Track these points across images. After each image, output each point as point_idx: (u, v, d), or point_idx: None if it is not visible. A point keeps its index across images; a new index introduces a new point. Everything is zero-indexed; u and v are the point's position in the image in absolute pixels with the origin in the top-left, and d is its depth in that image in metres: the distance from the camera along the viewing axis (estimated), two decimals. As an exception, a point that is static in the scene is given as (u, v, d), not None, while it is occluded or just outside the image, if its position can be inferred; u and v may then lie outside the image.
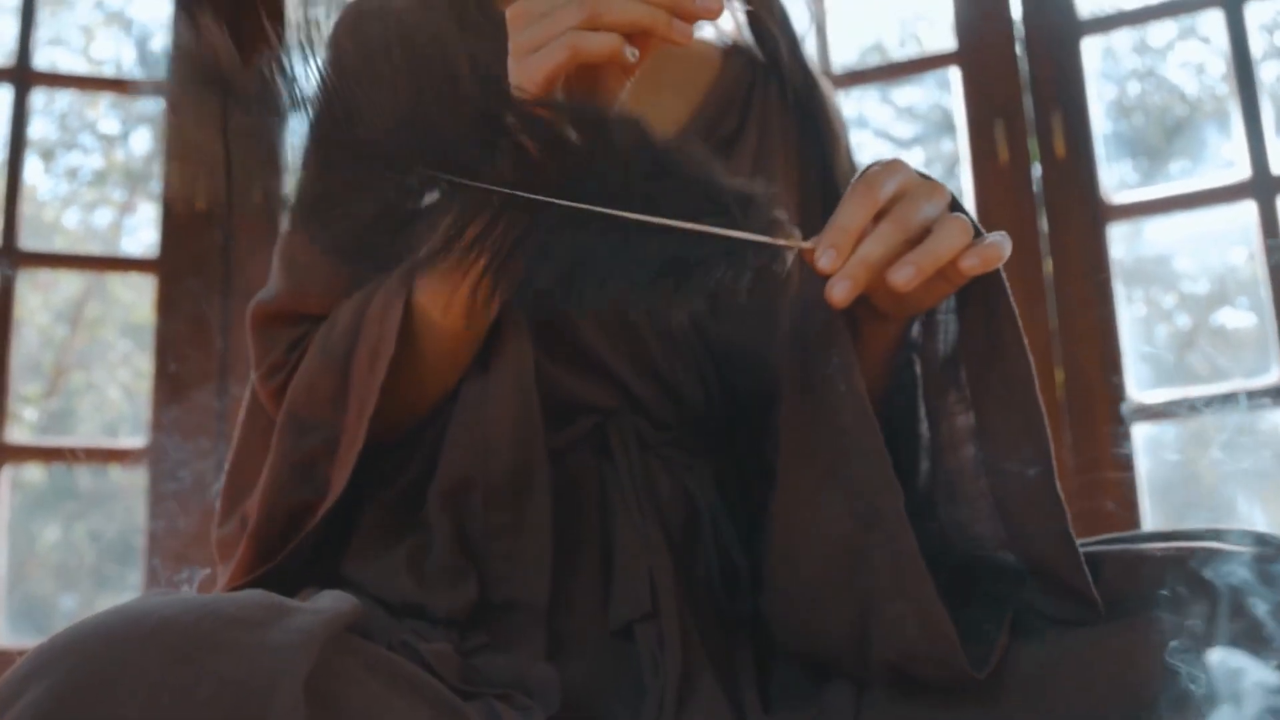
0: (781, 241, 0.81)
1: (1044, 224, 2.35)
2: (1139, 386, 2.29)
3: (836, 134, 1.24)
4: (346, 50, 1.10)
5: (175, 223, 2.45)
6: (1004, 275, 0.89)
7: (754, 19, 1.25)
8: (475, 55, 0.79)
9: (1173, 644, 0.80)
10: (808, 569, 0.94)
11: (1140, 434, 2.27)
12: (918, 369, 1.00)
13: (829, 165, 1.22)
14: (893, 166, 0.86)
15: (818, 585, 0.93)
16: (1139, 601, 0.85)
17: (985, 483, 0.93)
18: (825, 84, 1.27)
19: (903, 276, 0.82)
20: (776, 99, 1.23)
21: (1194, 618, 0.80)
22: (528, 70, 0.81)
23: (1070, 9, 2.44)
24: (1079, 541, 0.88)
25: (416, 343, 0.98)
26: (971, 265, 0.83)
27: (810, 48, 1.27)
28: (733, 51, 1.25)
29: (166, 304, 2.42)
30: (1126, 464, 2.21)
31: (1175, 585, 0.84)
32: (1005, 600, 0.91)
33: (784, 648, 1.01)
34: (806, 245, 0.82)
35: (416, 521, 1.01)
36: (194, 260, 2.43)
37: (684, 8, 0.81)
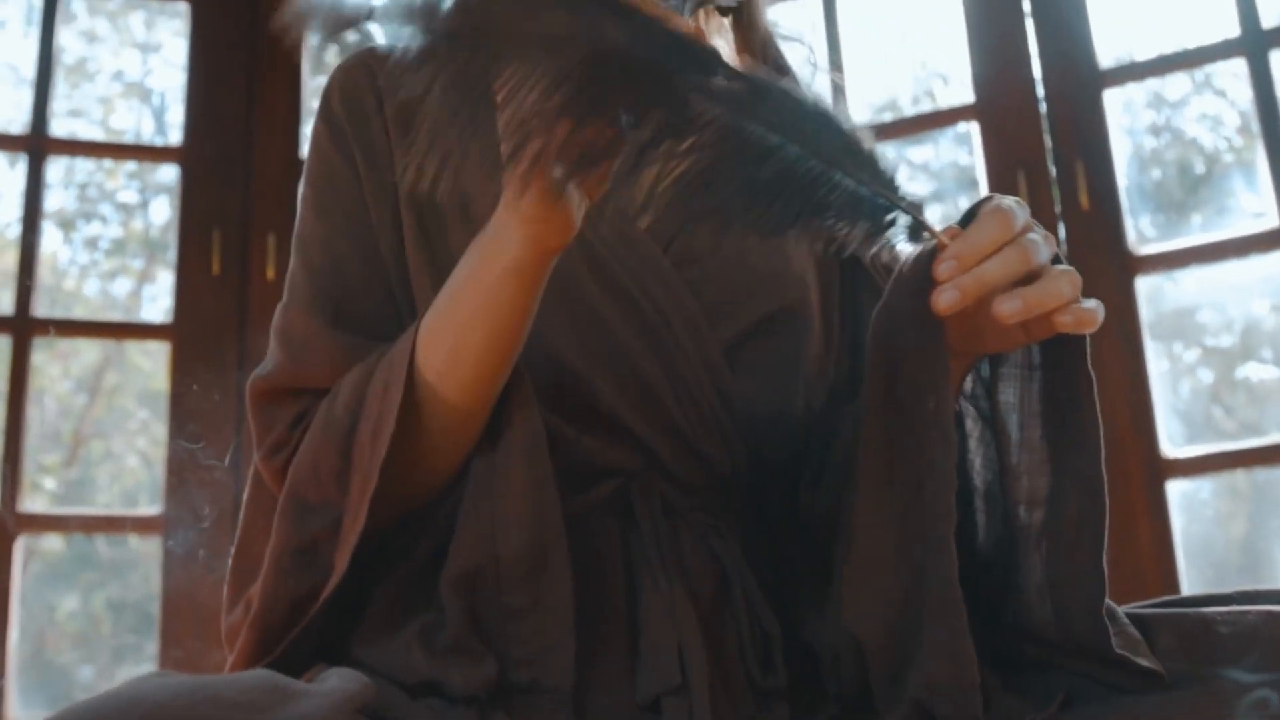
0: (925, 220, 0.82)
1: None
2: (1171, 442, 2.25)
3: None
4: None
5: (190, 288, 2.44)
6: (1088, 343, 0.89)
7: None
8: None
9: (1241, 711, 0.77)
10: (876, 583, 0.91)
11: (1174, 490, 2.23)
12: (969, 424, 0.99)
13: None
14: (1021, 203, 0.86)
15: (882, 600, 0.90)
16: (1203, 668, 0.83)
17: (1045, 549, 0.91)
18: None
19: (1009, 308, 0.81)
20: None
21: (1261, 683, 0.77)
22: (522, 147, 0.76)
23: (1091, 60, 2.42)
24: (1137, 606, 0.87)
25: (421, 417, 0.95)
26: (1066, 322, 0.82)
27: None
28: None
29: (181, 370, 2.41)
30: (1161, 520, 2.16)
31: (1239, 650, 0.81)
32: (1061, 667, 0.89)
33: (829, 650, 0.97)
34: (941, 237, 0.83)
35: (429, 600, 0.97)
36: (208, 325, 2.41)
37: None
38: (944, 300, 0.81)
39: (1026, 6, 2.48)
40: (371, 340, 1.02)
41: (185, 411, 2.39)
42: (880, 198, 0.81)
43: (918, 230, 0.83)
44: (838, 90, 2.09)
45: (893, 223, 0.82)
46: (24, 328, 2.39)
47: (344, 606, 0.97)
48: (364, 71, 1.13)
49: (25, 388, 2.38)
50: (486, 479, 0.95)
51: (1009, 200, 0.85)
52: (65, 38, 7.39)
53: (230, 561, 1.05)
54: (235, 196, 2.49)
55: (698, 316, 1.05)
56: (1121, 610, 0.90)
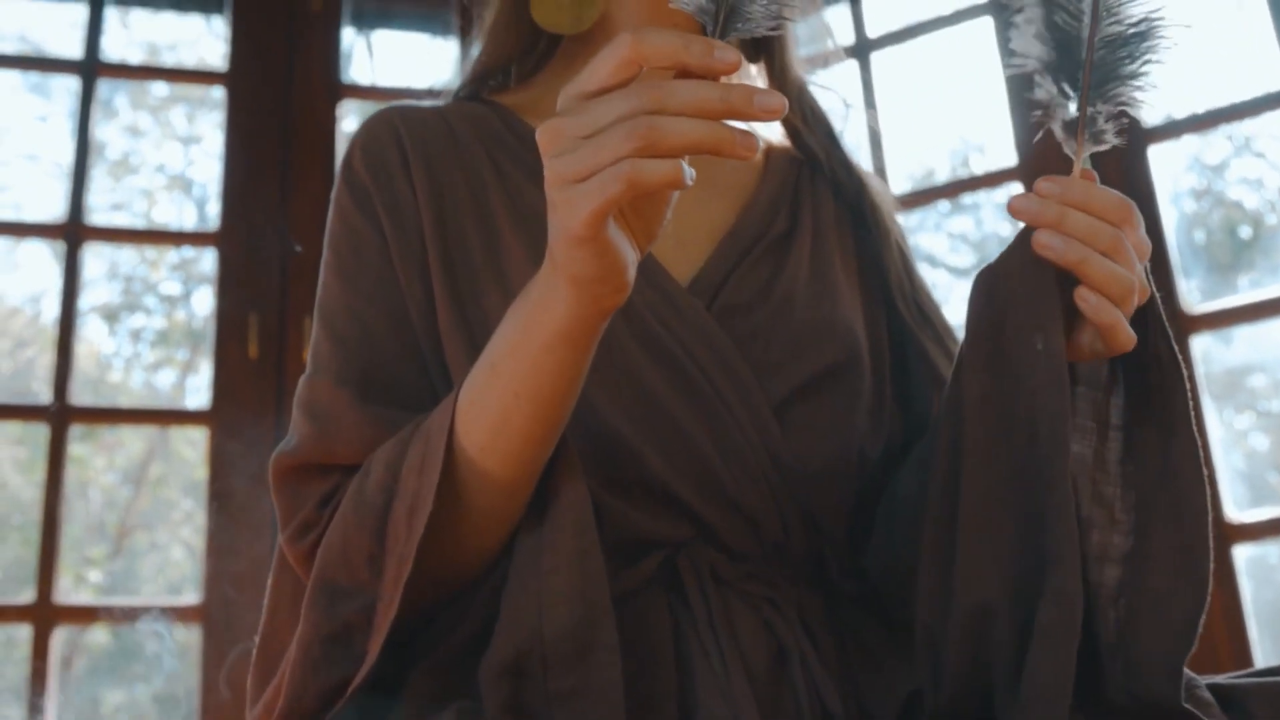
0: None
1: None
2: (1236, 506, 2.18)
3: (887, 228, 1.18)
4: None
5: (228, 373, 2.42)
6: (1190, 405, 0.87)
7: (784, 121, 1.20)
8: None
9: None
10: (996, 539, 0.85)
11: (1241, 556, 2.15)
12: None
13: (880, 260, 1.16)
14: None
15: (1004, 553, 0.85)
16: None
17: (1123, 607, 0.86)
18: (874, 179, 1.22)
19: (1044, 241, 0.82)
20: (827, 197, 1.17)
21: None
22: (575, 204, 0.72)
23: (1134, 117, 2.37)
24: (1220, 677, 0.83)
25: (461, 494, 0.90)
26: (1095, 310, 0.82)
27: (849, 143, 1.21)
28: (773, 151, 1.19)
29: (219, 456, 2.38)
30: (1230, 588, 2.09)
31: None
32: None
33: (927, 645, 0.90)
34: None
35: (468, 685, 0.91)
36: (247, 410, 2.39)
37: (745, 111, 0.71)
38: (1042, 240, 0.82)
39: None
40: (403, 411, 0.97)
41: (224, 498, 2.36)
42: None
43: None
44: (875, 139, 2.06)
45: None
46: (61, 416, 2.37)
47: (376, 694, 0.91)
48: (387, 128, 1.09)
49: (62, 477, 2.35)
50: (532, 555, 0.88)
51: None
52: (109, 133, 7.51)
53: (254, 652, 1.00)
54: (272, 280, 2.47)
55: (745, 374, 1.01)
56: (1203, 681, 0.86)
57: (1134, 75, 0.85)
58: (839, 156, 1.19)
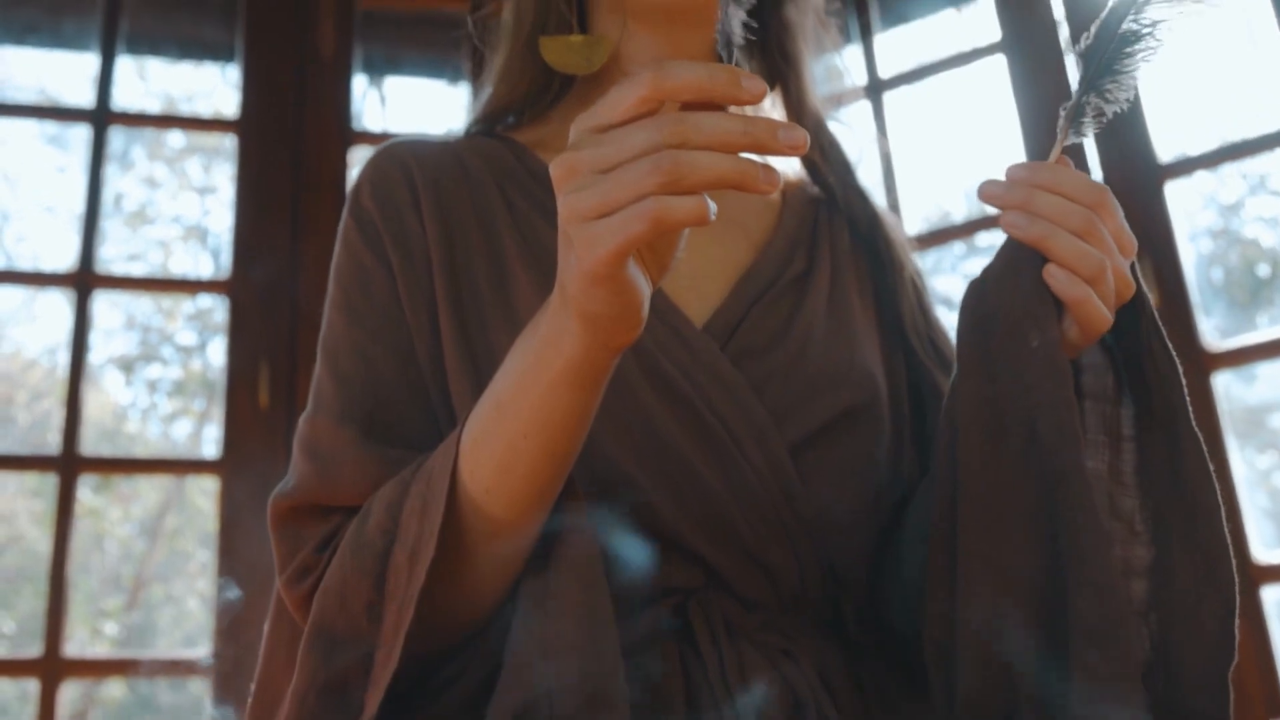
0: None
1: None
2: (1263, 545, 2.13)
3: (902, 263, 1.16)
4: None
5: (238, 422, 2.40)
6: (1189, 402, 0.87)
7: (803, 157, 1.19)
8: None
9: None
10: (1009, 545, 0.82)
11: (1270, 597, 2.11)
12: None
13: (895, 297, 1.14)
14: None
15: (1022, 562, 0.82)
16: None
17: (1154, 621, 0.85)
18: (888, 214, 1.20)
19: (1009, 220, 0.85)
20: (843, 236, 1.15)
21: None
22: (594, 241, 0.70)
23: (1149, 154, 2.36)
24: None
25: (465, 538, 0.87)
26: (1063, 286, 0.83)
27: (865, 175, 1.20)
28: (790, 188, 1.18)
29: (230, 505, 2.35)
30: (1259, 630, 2.04)
31: None
32: None
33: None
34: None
35: None
36: (257, 459, 2.37)
37: (769, 145, 0.68)
38: (1008, 219, 0.84)
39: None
40: (407, 451, 0.95)
41: (235, 547, 2.33)
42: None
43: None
44: (889, 179, 2.05)
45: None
46: (70, 465, 2.35)
47: None
48: (397, 162, 1.07)
49: (70, 527, 2.33)
50: (537, 602, 0.85)
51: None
52: (126, 184, 7.57)
53: (250, 700, 0.97)
54: (283, 328, 2.46)
55: (761, 417, 0.97)
56: None
57: (1125, 73, 0.86)
58: (855, 190, 1.18)
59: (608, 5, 1.12)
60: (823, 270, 1.10)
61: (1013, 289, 0.85)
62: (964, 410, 0.85)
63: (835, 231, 1.15)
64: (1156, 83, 2.40)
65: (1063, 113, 0.88)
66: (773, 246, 1.09)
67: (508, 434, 0.83)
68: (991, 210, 0.87)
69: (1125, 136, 2.38)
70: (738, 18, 0.75)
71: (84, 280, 2.44)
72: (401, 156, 1.08)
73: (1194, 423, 0.86)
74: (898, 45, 2.74)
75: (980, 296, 0.87)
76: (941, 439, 0.88)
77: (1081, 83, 0.87)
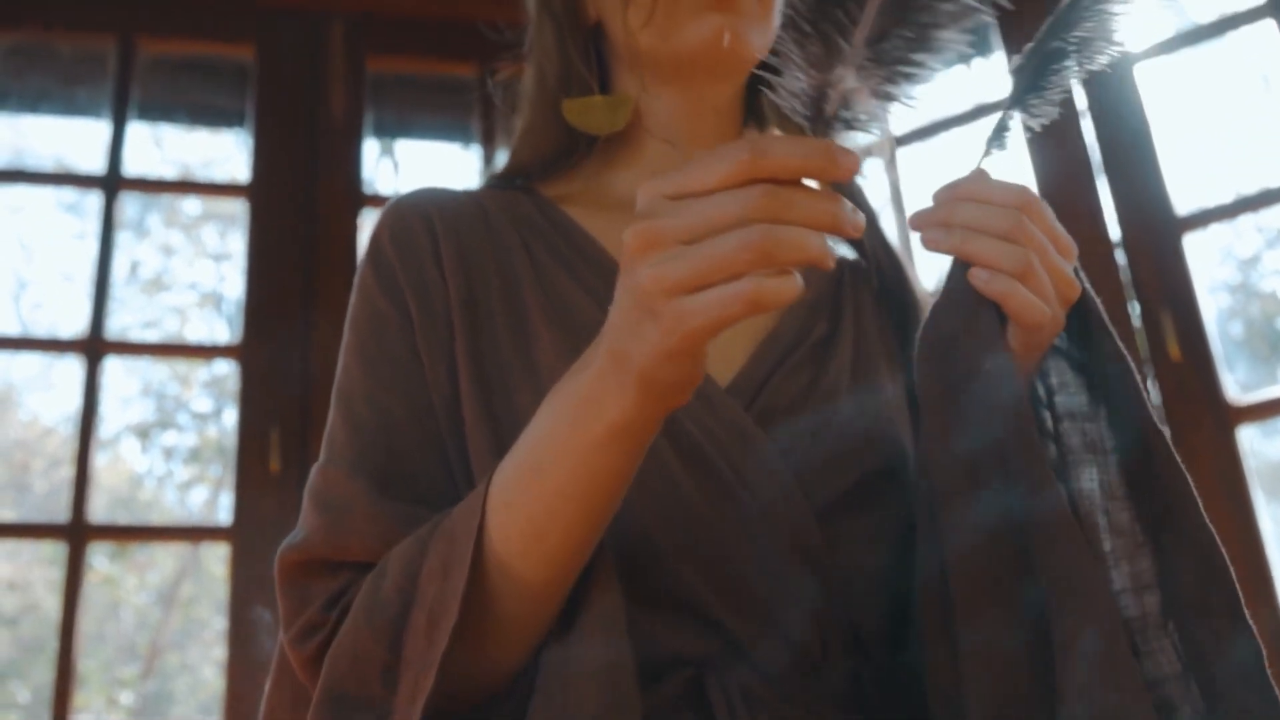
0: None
1: (1167, 436, 2.19)
2: (1293, 602, 2.09)
3: (920, 319, 1.12)
4: None
5: (249, 488, 2.38)
6: (1145, 395, 0.87)
7: None
8: None
9: None
10: (985, 579, 0.81)
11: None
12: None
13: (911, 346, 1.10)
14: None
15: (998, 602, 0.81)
16: None
17: (1173, 630, 0.83)
18: (911, 267, 1.17)
19: (930, 239, 0.85)
20: (867, 295, 1.12)
21: None
22: (685, 318, 0.68)
23: (1167, 207, 2.34)
24: None
25: (488, 602, 0.84)
26: (989, 286, 0.83)
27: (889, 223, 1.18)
28: None
29: (241, 572, 2.33)
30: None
31: None
32: None
33: None
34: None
35: None
36: (268, 526, 2.34)
37: (845, 226, 0.69)
38: (928, 232, 0.84)
39: (1095, 159, 2.41)
40: (422, 507, 0.92)
41: (247, 613, 2.31)
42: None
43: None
44: (905, 240, 2.02)
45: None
46: (79, 533, 2.33)
47: None
48: (417, 210, 1.05)
49: (79, 595, 2.31)
50: (559, 666, 0.82)
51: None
52: (142, 252, 7.60)
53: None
54: (293, 393, 2.44)
55: (786, 481, 0.94)
56: None
57: (1049, 89, 0.86)
58: (881, 243, 1.15)
59: (626, 65, 1.12)
60: (846, 335, 1.07)
61: (959, 317, 0.84)
62: (934, 461, 0.84)
63: (859, 292, 1.12)
64: (1171, 135, 2.39)
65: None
66: (796, 309, 1.06)
67: (545, 494, 0.81)
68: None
69: (1142, 189, 2.36)
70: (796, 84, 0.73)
71: (94, 346, 2.44)
72: (422, 204, 1.06)
73: (1155, 417, 0.85)
74: (917, 101, 2.72)
75: (933, 324, 0.86)
76: (919, 491, 0.87)
77: (1010, 99, 0.86)
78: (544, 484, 0.80)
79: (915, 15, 0.72)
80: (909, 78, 0.74)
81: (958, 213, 0.83)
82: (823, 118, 0.74)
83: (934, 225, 0.84)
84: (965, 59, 2.80)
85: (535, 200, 1.10)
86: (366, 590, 0.87)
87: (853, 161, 0.68)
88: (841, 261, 1.14)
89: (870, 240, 1.15)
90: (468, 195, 1.10)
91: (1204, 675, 0.80)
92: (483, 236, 1.05)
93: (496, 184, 1.14)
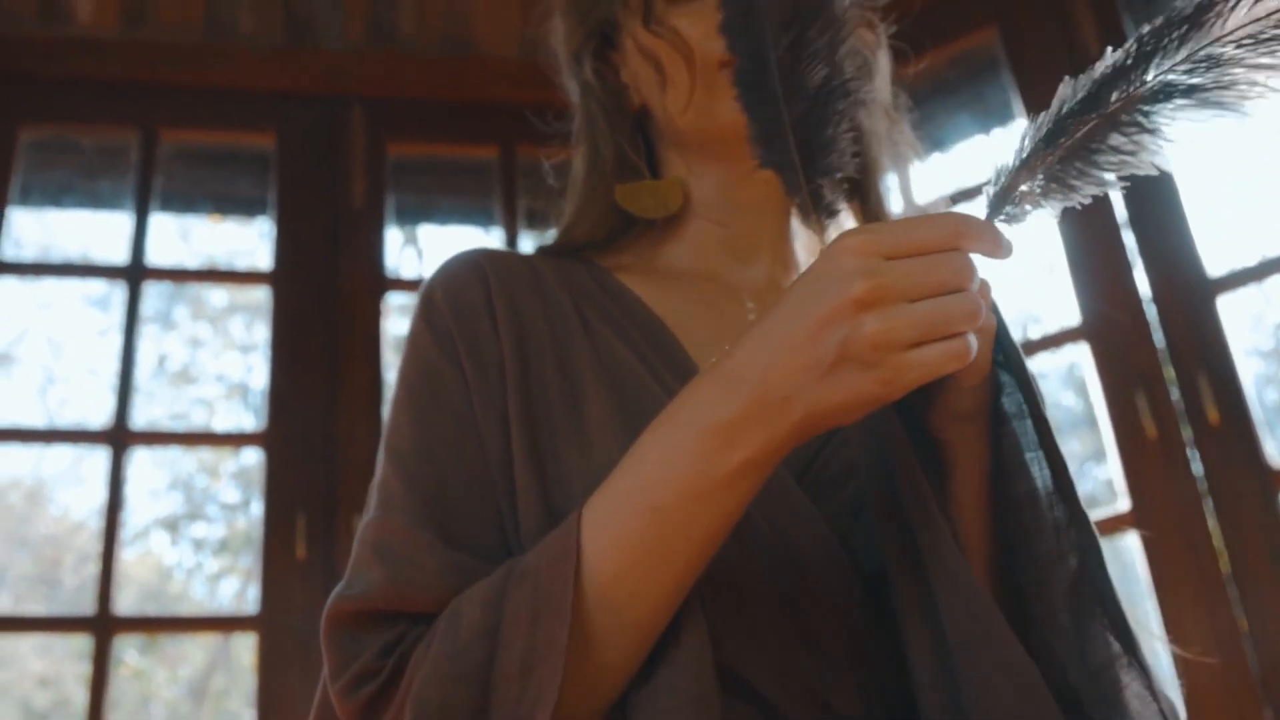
0: None
1: (1209, 505, 2.14)
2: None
3: None
4: None
5: (276, 575, 2.36)
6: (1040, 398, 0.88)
7: None
8: None
9: None
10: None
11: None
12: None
13: None
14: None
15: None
16: None
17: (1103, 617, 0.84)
18: None
19: None
20: None
21: None
22: (908, 369, 0.74)
23: (1199, 269, 2.30)
24: None
25: (588, 648, 0.81)
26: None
27: None
28: None
29: (268, 660, 2.30)
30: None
31: None
32: None
33: None
34: None
35: None
36: (295, 613, 2.31)
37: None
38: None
39: (1121, 216, 2.39)
40: (486, 563, 0.88)
41: (275, 702, 2.27)
42: None
43: None
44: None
45: None
46: (105, 625, 2.30)
47: None
48: (473, 268, 1.04)
49: (106, 687, 2.28)
50: (650, 704, 0.81)
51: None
52: (170, 344, 7.65)
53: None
54: (319, 479, 2.42)
55: (837, 552, 0.91)
56: None
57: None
58: None
59: (674, 148, 1.14)
60: (893, 404, 1.04)
61: (893, 449, 0.86)
62: (871, 505, 0.87)
63: None
64: (1200, 196, 2.37)
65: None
66: None
67: (665, 536, 0.80)
68: (1033, 335, 0.83)
69: (1173, 251, 2.33)
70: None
71: (119, 435, 2.42)
72: (476, 261, 1.05)
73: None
74: (932, 173, 2.72)
75: (876, 470, 0.88)
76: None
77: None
78: (663, 523, 0.80)
79: (1094, 156, 0.81)
80: (1062, 198, 0.82)
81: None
82: (1000, 206, 0.82)
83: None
84: (986, 128, 2.80)
85: (589, 267, 1.10)
86: (443, 634, 0.83)
87: (1009, 246, 0.78)
88: None
89: None
90: (520, 256, 1.09)
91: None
92: (535, 296, 1.04)
93: (548, 252, 1.14)
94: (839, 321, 0.74)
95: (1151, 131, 0.79)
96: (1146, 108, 0.79)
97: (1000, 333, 0.85)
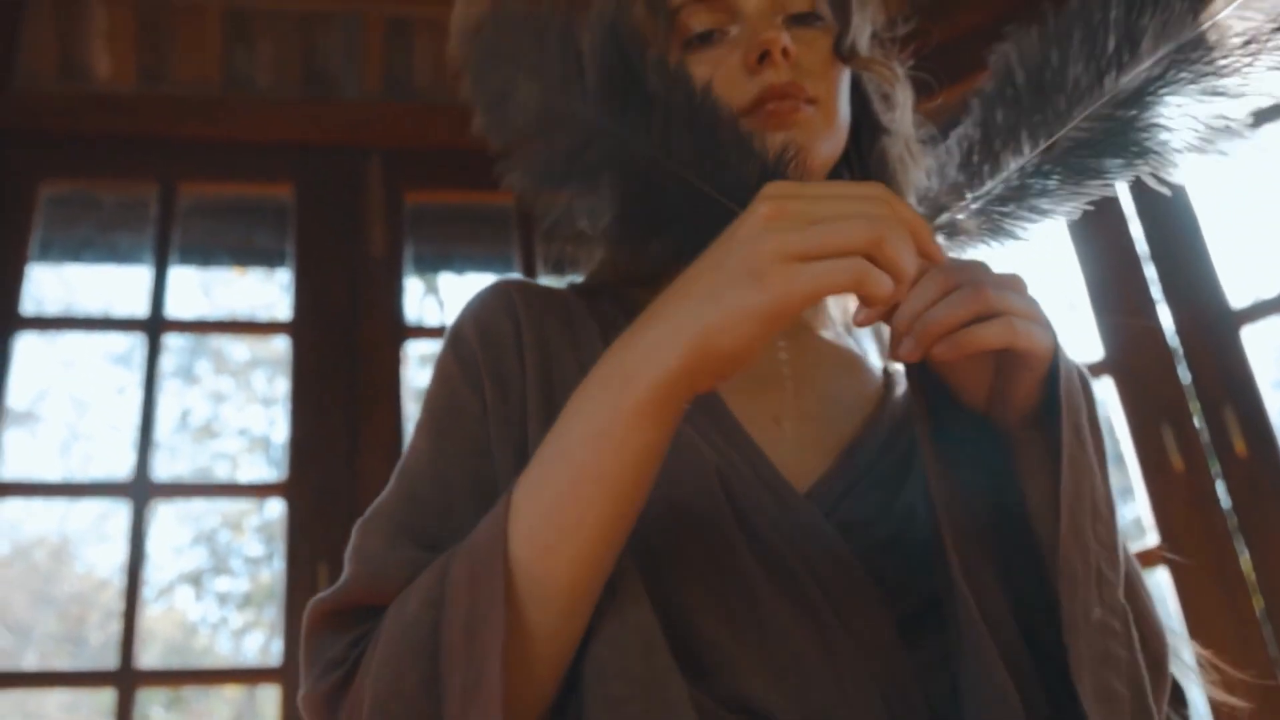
0: None
1: (1238, 536, 2.11)
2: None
3: None
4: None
5: (297, 626, 2.34)
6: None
7: None
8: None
9: None
10: None
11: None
12: None
13: None
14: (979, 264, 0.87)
15: None
16: None
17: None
18: None
19: (904, 349, 0.84)
20: None
21: None
22: (795, 280, 0.74)
23: (1222, 301, 2.29)
24: None
25: (516, 617, 0.81)
26: (942, 351, 0.83)
27: None
28: (894, 370, 1.13)
29: (292, 712, 2.28)
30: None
31: None
32: None
33: None
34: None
35: None
36: (317, 665, 2.30)
37: (936, 257, 0.81)
38: (902, 349, 0.83)
39: (1143, 250, 2.38)
40: None
41: (297, 758, 2.25)
42: None
43: None
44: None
45: None
46: (127, 680, 2.29)
47: None
48: (503, 299, 1.05)
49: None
50: (598, 683, 0.80)
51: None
52: (192, 399, 7.65)
53: None
54: (340, 529, 2.41)
55: (867, 590, 0.90)
56: None
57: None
58: None
59: None
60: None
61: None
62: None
63: None
64: (1221, 228, 2.35)
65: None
66: (878, 423, 1.04)
67: (573, 480, 0.81)
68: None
69: (1195, 284, 2.32)
70: None
71: (140, 489, 2.42)
72: (507, 291, 1.06)
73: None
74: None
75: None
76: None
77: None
78: (570, 467, 0.81)
79: (1032, 199, 0.87)
80: (1006, 235, 0.89)
81: (937, 317, 0.83)
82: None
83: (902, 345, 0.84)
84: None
85: (619, 300, 1.11)
86: (392, 615, 0.85)
87: (941, 253, 0.81)
88: None
89: None
90: (551, 289, 1.10)
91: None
92: (564, 327, 1.05)
93: (580, 289, 1.15)
94: (748, 239, 0.76)
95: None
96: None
97: (1057, 365, 0.86)
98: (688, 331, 0.77)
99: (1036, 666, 0.84)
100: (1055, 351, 0.85)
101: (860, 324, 0.84)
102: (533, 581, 0.80)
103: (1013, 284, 0.84)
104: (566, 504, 0.80)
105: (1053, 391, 0.86)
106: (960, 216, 0.90)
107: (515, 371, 1.00)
